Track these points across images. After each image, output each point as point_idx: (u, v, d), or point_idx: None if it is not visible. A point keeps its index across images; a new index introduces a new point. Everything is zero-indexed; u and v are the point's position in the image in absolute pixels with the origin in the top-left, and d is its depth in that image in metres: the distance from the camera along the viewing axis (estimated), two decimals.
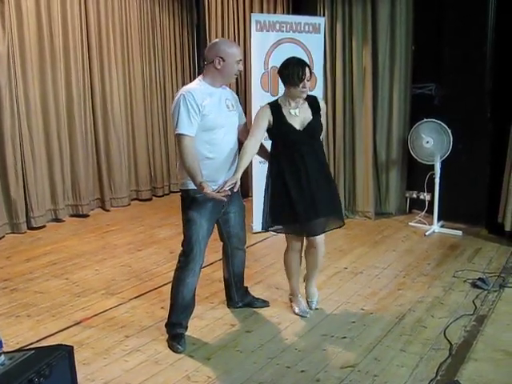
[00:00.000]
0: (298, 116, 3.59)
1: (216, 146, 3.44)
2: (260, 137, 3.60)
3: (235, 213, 3.78)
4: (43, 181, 6.47)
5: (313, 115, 3.64)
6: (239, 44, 7.54)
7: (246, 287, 4.21)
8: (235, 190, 3.35)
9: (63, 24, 6.53)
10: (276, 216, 3.71)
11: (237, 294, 4.08)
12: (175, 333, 3.58)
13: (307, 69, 3.53)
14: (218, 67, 3.42)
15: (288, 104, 3.61)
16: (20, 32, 6.03)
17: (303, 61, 3.58)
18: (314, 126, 3.64)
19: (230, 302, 4.13)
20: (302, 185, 3.59)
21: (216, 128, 3.42)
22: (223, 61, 3.41)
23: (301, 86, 3.50)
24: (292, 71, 3.48)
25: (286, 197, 3.61)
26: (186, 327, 3.64)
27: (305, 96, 3.61)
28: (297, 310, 4.02)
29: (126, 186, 7.52)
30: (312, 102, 3.68)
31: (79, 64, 6.80)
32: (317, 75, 6.15)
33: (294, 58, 3.60)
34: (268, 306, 4.15)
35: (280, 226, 3.82)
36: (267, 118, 3.57)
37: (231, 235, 3.85)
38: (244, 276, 4.13)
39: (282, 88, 5.89)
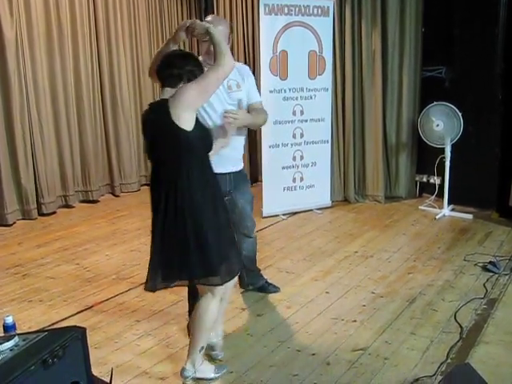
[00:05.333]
0: None
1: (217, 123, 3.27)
2: None
3: (241, 202, 3.64)
4: (53, 167, 6.49)
5: None
6: (247, 28, 7.50)
7: (259, 269, 4.20)
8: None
9: (71, 10, 6.51)
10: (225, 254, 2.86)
11: (247, 276, 4.06)
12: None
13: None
14: None
15: None
16: (28, 18, 6.02)
17: (191, 53, 3.02)
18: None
19: (240, 284, 4.11)
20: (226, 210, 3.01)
21: (208, 112, 3.26)
22: None
23: None
24: (199, 67, 2.82)
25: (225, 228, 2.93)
26: None
27: None
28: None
29: (135, 171, 7.53)
30: None
31: (87, 50, 6.79)
32: (326, 59, 6.12)
33: (176, 51, 2.99)
34: (279, 291, 4.15)
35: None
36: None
37: (237, 224, 3.61)
38: (255, 260, 4.12)
39: (293, 72, 6.00)
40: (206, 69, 2.83)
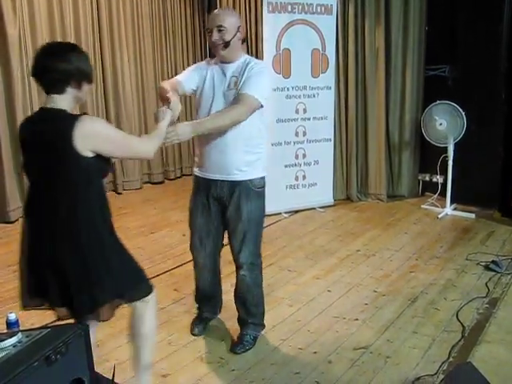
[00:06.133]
0: None
1: None
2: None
3: (233, 220, 3.15)
4: None
5: None
6: (251, 26, 7.49)
7: (259, 315, 3.43)
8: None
9: (74, 8, 6.51)
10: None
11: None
12: (196, 313, 3.58)
13: None
14: None
15: None
16: (31, 15, 6.02)
17: (71, 45, 2.43)
18: None
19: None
20: None
21: (202, 107, 3.08)
22: None
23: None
24: (88, 61, 2.36)
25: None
26: (212, 312, 3.56)
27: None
28: None
29: (138, 169, 7.53)
30: None
31: (90, 48, 6.77)
32: (329, 57, 6.12)
33: (53, 45, 2.49)
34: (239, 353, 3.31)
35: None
36: None
37: (230, 243, 3.27)
38: (250, 306, 3.35)
39: (296, 70, 6.00)
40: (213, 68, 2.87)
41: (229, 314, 3.70)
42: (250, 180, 3.09)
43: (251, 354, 3.24)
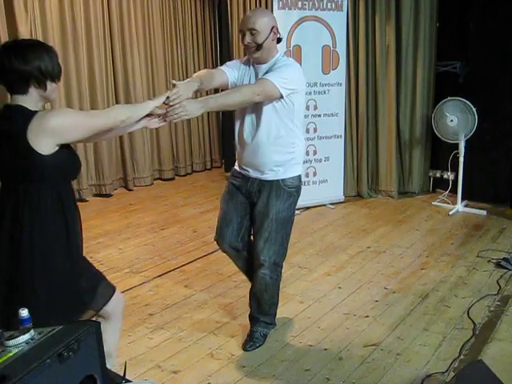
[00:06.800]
0: None
1: (238, 126, 3.14)
2: None
3: (260, 216, 3.15)
4: None
5: None
6: None
7: (270, 314, 3.43)
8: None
9: (85, 6, 6.51)
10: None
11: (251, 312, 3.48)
12: None
13: None
14: None
15: None
16: (42, 14, 6.04)
17: (33, 43, 2.27)
18: None
19: None
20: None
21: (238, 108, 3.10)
22: None
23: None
24: (53, 59, 2.20)
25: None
26: None
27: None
28: None
29: (148, 165, 7.55)
30: None
31: (101, 47, 6.78)
32: (339, 53, 6.10)
33: (11, 44, 2.19)
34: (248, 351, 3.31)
35: None
36: None
37: (254, 240, 3.25)
38: (264, 304, 3.35)
39: (306, 66, 5.96)
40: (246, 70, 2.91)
41: (240, 310, 3.72)
42: (282, 180, 3.09)
43: (262, 351, 3.26)
